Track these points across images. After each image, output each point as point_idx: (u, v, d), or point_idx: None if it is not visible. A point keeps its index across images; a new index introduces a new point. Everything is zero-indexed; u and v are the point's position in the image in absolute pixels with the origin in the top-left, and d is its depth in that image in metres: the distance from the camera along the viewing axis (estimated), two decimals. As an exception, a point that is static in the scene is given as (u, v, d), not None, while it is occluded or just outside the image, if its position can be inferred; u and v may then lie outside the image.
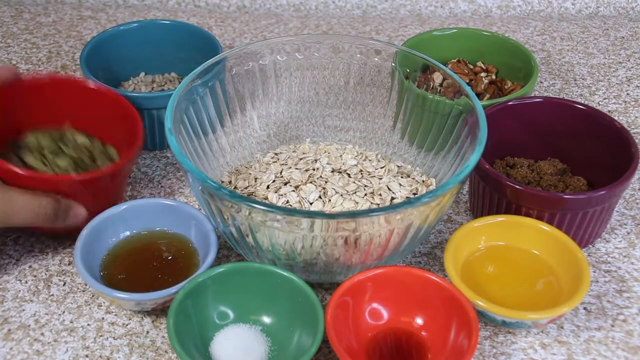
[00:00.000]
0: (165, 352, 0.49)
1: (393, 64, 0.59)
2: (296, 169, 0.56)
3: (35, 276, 0.54)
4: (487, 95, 0.69)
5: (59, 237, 0.57)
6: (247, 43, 0.59)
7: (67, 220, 0.51)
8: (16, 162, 0.54)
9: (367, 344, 0.48)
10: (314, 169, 0.56)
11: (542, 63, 0.83)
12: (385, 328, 0.49)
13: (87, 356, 0.48)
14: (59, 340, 0.50)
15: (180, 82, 0.61)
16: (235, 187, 0.56)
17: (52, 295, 0.53)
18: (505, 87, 0.70)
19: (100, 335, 0.50)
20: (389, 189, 0.55)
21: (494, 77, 0.72)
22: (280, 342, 0.48)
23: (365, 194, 0.54)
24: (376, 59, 0.59)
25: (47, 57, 0.81)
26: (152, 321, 0.51)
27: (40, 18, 0.90)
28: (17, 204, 0.47)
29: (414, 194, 0.55)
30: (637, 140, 0.57)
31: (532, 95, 0.68)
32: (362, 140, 0.63)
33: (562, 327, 0.51)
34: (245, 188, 0.56)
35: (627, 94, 0.77)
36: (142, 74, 0.74)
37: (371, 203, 0.53)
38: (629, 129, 0.70)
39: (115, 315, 0.51)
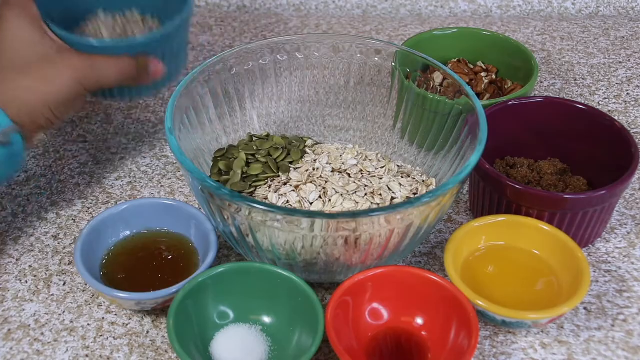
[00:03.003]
0: (166, 351, 0.49)
1: (393, 64, 0.59)
2: (296, 169, 0.56)
3: (35, 276, 0.54)
4: (487, 95, 0.69)
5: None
6: (247, 43, 0.59)
7: (148, 76, 0.57)
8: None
9: (367, 343, 0.48)
10: (314, 169, 0.56)
11: (542, 63, 0.83)
12: (386, 328, 0.49)
13: (87, 356, 0.48)
14: (59, 340, 0.49)
15: (143, 23, 0.64)
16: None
17: (52, 295, 0.53)
18: (506, 86, 0.70)
19: (101, 335, 0.50)
20: (389, 188, 0.55)
21: (494, 76, 0.71)
22: (280, 342, 0.48)
23: (366, 194, 0.54)
24: (376, 59, 0.59)
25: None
26: (152, 321, 0.51)
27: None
28: (102, 67, 0.53)
29: (414, 193, 0.55)
30: (637, 140, 0.57)
31: (532, 95, 0.68)
32: (362, 140, 0.63)
33: (562, 327, 0.51)
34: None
35: (627, 93, 0.77)
36: (101, 12, 0.65)
37: (371, 203, 0.53)
38: (629, 128, 0.70)
39: (115, 315, 0.51)
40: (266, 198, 0.54)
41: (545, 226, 0.52)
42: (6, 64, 0.51)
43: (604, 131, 0.58)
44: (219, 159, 0.57)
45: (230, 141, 0.59)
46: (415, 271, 0.48)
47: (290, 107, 0.63)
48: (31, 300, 0.52)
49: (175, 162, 0.66)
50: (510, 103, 0.60)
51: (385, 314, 0.49)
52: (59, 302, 0.52)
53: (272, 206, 0.44)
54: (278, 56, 0.59)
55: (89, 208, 0.61)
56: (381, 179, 0.56)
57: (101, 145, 0.68)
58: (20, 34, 0.51)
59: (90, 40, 0.56)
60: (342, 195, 0.53)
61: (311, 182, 0.54)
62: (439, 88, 0.57)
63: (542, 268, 0.52)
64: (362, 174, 0.56)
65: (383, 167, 0.57)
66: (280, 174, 0.55)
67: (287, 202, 0.53)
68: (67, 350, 0.49)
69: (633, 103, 0.75)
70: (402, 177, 0.56)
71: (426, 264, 0.56)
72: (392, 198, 0.54)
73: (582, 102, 0.62)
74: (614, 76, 0.80)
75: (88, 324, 0.51)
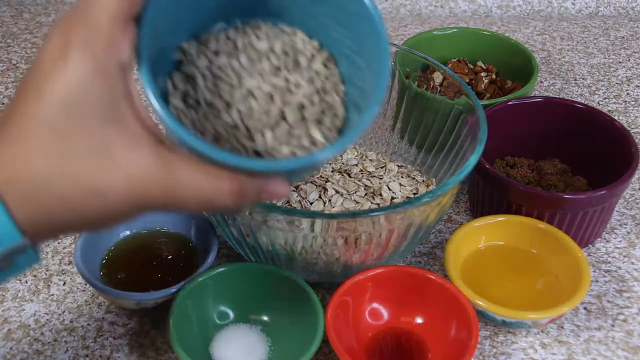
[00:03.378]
0: (165, 352, 0.49)
1: (393, 64, 0.59)
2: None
3: (35, 276, 0.54)
4: (488, 95, 0.69)
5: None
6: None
7: (258, 202, 0.35)
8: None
9: (367, 343, 0.48)
10: (314, 169, 0.56)
11: (542, 63, 0.83)
12: (385, 328, 0.49)
13: (87, 356, 0.48)
14: (59, 340, 0.49)
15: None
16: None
17: (52, 295, 0.53)
18: (506, 86, 0.70)
19: (100, 335, 0.50)
20: (389, 188, 0.55)
21: (494, 76, 0.71)
22: (280, 342, 0.48)
23: (366, 194, 0.54)
24: (376, 59, 0.59)
25: (47, 56, 0.82)
26: (153, 321, 0.51)
27: (41, 18, 0.90)
28: (184, 188, 0.31)
29: (414, 193, 0.55)
30: (637, 140, 0.57)
31: (532, 94, 0.68)
32: (362, 140, 0.63)
33: (562, 327, 0.51)
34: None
35: (627, 93, 0.77)
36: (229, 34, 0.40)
37: (371, 203, 0.53)
38: (629, 128, 0.70)
39: (115, 315, 0.51)
40: (266, 198, 0.54)
41: (545, 226, 0.52)
42: (48, 120, 0.29)
43: (604, 131, 0.58)
44: None
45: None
46: (415, 271, 0.48)
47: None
48: (31, 300, 0.52)
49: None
50: (510, 103, 0.60)
51: (385, 313, 0.49)
52: (59, 302, 0.52)
53: (272, 206, 0.44)
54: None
55: (89, 208, 0.61)
56: (381, 179, 0.56)
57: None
58: (80, 88, 0.29)
59: (203, 144, 0.31)
60: (342, 195, 0.53)
61: (311, 182, 0.54)
62: (439, 88, 0.57)
63: (542, 268, 0.52)
64: (362, 174, 0.56)
65: (383, 167, 0.57)
66: None
67: (287, 202, 0.53)
68: (67, 350, 0.49)
69: (633, 103, 0.75)
70: (402, 177, 0.56)
71: (426, 264, 0.56)
72: (392, 198, 0.54)
73: (582, 102, 0.62)
74: (613, 76, 0.80)
75: (88, 324, 0.51)
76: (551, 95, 0.77)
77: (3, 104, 0.73)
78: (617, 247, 0.58)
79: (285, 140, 0.34)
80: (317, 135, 0.35)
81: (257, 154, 0.34)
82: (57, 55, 0.29)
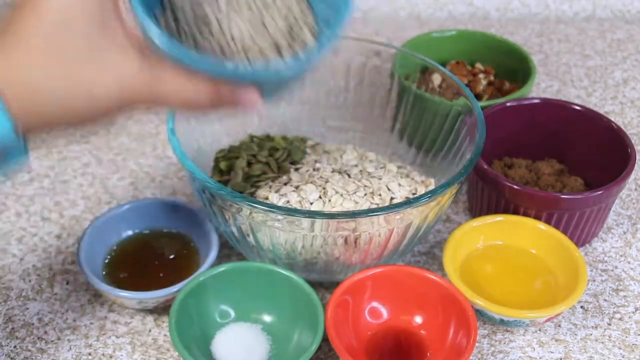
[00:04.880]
0: (167, 350, 0.49)
1: (392, 65, 0.59)
2: (296, 169, 0.57)
3: (38, 275, 0.55)
4: (486, 96, 0.70)
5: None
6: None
7: (232, 108, 0.39)
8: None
9: (366, 342, 0.48)
10: (314, 169, 0.56)
11: (540, 65, 0.83)
12: (385, 327, 0.49)
13: (89, 354, 0.49)
14: (62, 339, 0.50)
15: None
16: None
17: (56, 294, 0.53)
18: (504, 88, 0.70)
19: (103, 334, 0.50)
20: (388, 189, 0.55)
21: (492, 78, 0.72)
22: (280, 341, 0.48)
23: (365, 194, 0.54)
24: (376, 60, 0.60)
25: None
26: (154, 320, 0.51)
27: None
28: (167, 86, 0.36)
29: (413, 194, 0.55)
30: (633, 141, 0.57)
31: (530, 96, 0.68)
32: (362, 141, 0.63)
33: (559, 326, 0.51)
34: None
35: (624, 95, 0.78)
36: None
37: (371, 203, 0.53)
38: (625, 129, 0.71)
39: (118, 313, 0.52)
40: (267, 198, 0.54)
41: (542, 226, 0.53)
42: (44, 32, 0.33)
43: (601, 132, 0.59)
44: (220, 159, 0.57)
45: (231, 142, 0.60)
46: (414, 270, 0.49)
47: (290, 108, 0.63)
48: (35, 299, 0.53)
49: (176, 162, 0.67)
50: (508, 104, 0.61)
51: (384, 312, 0.49)
52: (62, 301, 0.53)
53: (273, 206, 0.45)
54: (278, 58, 0.60)
55: (91, 208, 0.61)
56: (380, 179, 0.56)
57: (103, 146, 0.69)
58: (74, 4, 0.33)
59: (181, 50, 0.36)
60: (342, 195, 0.54)
61: (311, 182, 0.55)
62: (437, 89, 0.58)
63: (540, 267, 0.53)
64: (361, 174, 0.57)
65: (382, 167, 0.58)
66: (281, 174, 0.56)
67: (288, 202, 0.53)
68: (70, 348, 0.49)
69: (629, 104, 0.76)
70: (401, 177, 0.57)
71: (425, 263, 0.57)
72: (392, 198, 0.54)
73: (579, 103, 0.62)
74: (610, 78, 0.81)
75: (91, 323, 0.51)
76: (548, 96, 0.77)
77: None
78: (613, 247, 0.58)
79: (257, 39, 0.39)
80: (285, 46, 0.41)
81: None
82: None
